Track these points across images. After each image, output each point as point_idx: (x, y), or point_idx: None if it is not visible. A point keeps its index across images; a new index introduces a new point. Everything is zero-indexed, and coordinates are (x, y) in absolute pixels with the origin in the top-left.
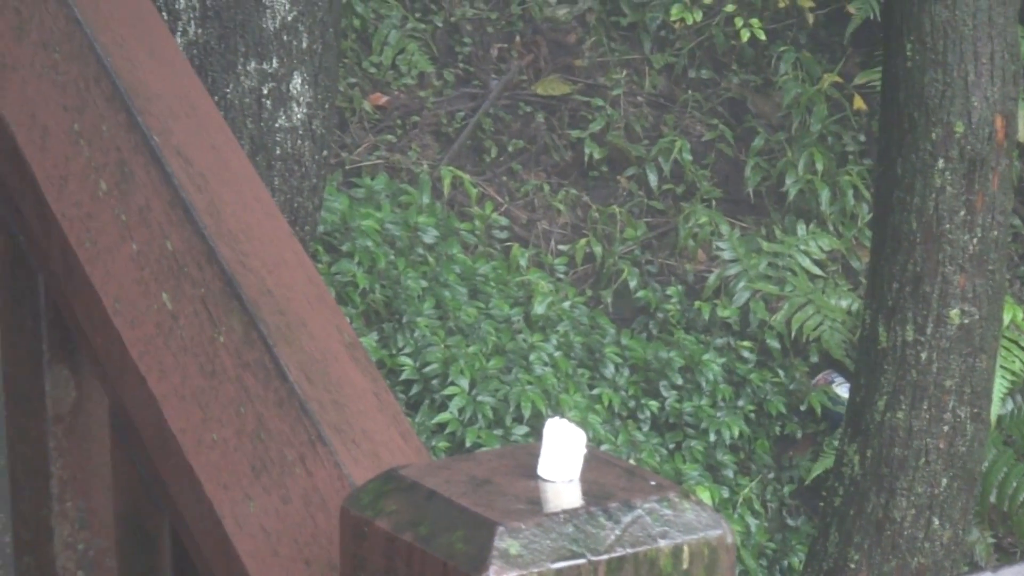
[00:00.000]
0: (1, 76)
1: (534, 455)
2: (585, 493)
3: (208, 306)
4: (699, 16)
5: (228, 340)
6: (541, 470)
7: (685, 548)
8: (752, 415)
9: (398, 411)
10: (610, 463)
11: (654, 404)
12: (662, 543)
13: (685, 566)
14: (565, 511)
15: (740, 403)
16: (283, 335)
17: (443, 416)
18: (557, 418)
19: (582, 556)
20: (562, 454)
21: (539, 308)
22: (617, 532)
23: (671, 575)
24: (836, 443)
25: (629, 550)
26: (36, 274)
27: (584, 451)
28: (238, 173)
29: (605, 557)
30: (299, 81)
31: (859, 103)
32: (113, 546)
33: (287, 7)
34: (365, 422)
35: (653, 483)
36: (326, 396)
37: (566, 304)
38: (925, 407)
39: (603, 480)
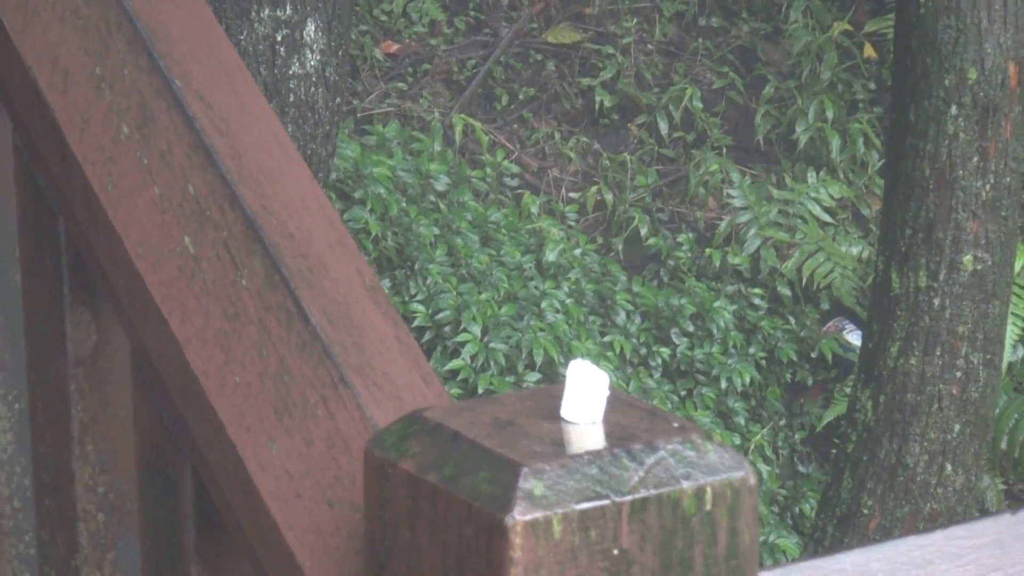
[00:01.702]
0: (23, 20)
1: (557, 397)
2: (608, 435)
3: (230, 249)
4: None
5: (250, 283)
6: (564, 412)
7: (708, 489)
8: (763, 362)
9: (419, 354)
10: (633, 405)
11: (665, 351)
12: (685, 484)
13: (708, 507)
14: (589, 452)
15: (751, 350)
16: (305, 278)
17: (455, 363)
18: (580, 360)
19: (606, 497)
20: (585, 396)
21: (550, 255)
22: (641, 473)
23: (694, 516)
24: (847, 390)
25: (652, 491)
26: (57, 217)
27: (607, 393)
28: (259, 117)
29: (629, 498)
30: (312, 28)
31: (869, 51)
32: (134, 489)
33: None
34: (387, 365)
35: (676, 425)
36: (348, 339)
37: (577, 251)
38: (938, 353)
39: (626, 422)
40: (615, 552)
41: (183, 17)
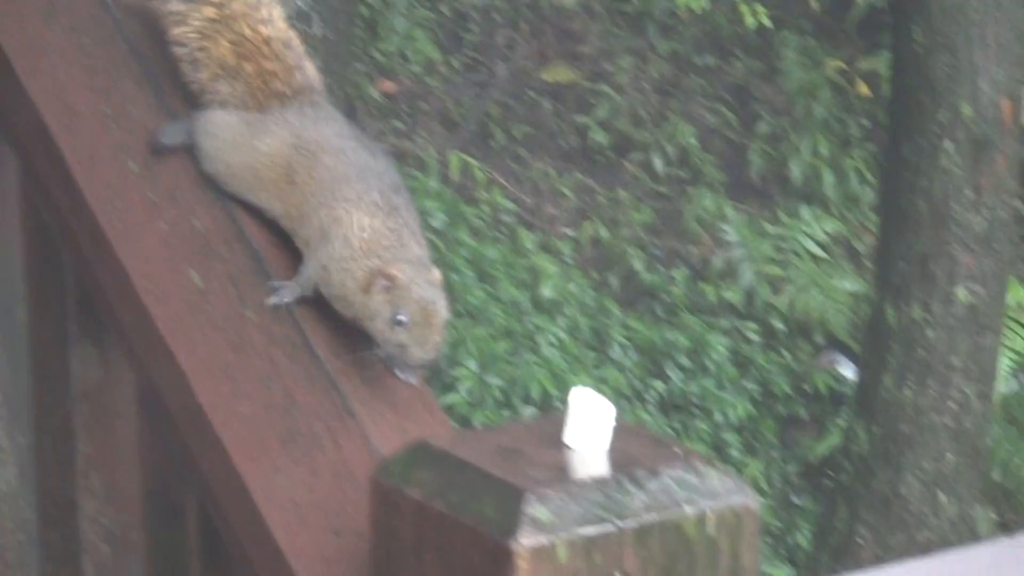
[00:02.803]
0: (31, 59)
1: (560, 425)
2: (612, 461)
3: (236, 283)
4: (705, 3)
5: (256, 316)
6: (567, 439)
7: (710, 514)
8: (757, 395)
9: (422, 384)
10: (635, 432)
11: (660, 385)
12: (688, 509)
13: (711, 532)
14: (593, 478)
15: (745, 384)
16: (310, 311)
17: (452, 397)
18: (581, 387)
19: (610, 522)
20: (588, 423)
21: (546, 291)
22: (644, 498)
23: (697, 540)
24: (840, 422)
25: (655, 516)
26: (63, 254)
27: (614, 422)
28: None
29: (632, 523)
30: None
31: (863, 88)
32: (139, 521)
33: None
34: (391, 395)
35: (678, 451)
36: (352, 370)
37: (572, 287)
38: (932, 384)
39: (629, 448)
40: None
41: None
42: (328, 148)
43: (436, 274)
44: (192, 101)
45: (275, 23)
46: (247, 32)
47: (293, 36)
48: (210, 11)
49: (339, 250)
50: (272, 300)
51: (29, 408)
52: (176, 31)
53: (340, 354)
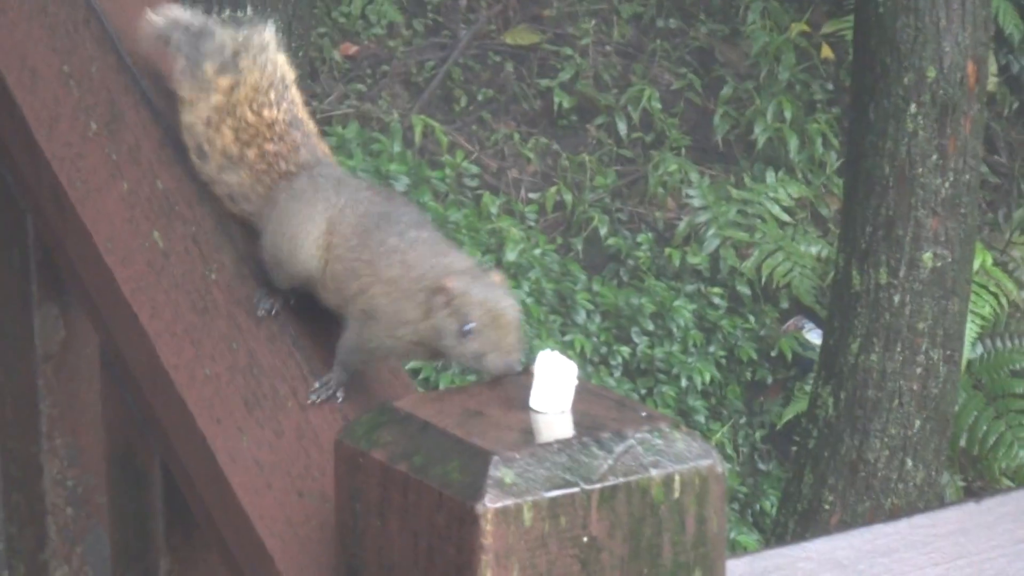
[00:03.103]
0: None
1: (525, 387)
2: (577, 424)
3: (199, 244)
4: None
5: (219, 277)
6: (533, 402)
7: (676, 477)
8: (723, 361)
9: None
10: (601, 395)
11: (625, 350)
12: (654, 472)
13: (676, 495)
14: (558, 441)
15: (711, 349)
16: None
17: (416, 362)
18: (548, 351)
19: (575, 485)
20: (553, 386)
21: (511, 255)
22: (610, 462)
23: (663, 503)
24: (807, 388)
25: (621, 479)
26: (24, 214)
27: (576, 383)
28: None
29: (598, 486)
30: (272, 29)
31: (827, 52)
32: (103, 483)
33: None
34: None
35: (644, 414)
36: (315, 332)
37: (537, 251)
38: (898, 349)
39: (594, 411)
40: (585, 539)
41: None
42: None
43: (496, 276)
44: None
45: (281, 105)
46: (249, 117)
47: (302, 116)
48: (218, 99)
49: (383, 299)
50: (322, 396)
51: None
52: (186, 119)
53: (302, 315)
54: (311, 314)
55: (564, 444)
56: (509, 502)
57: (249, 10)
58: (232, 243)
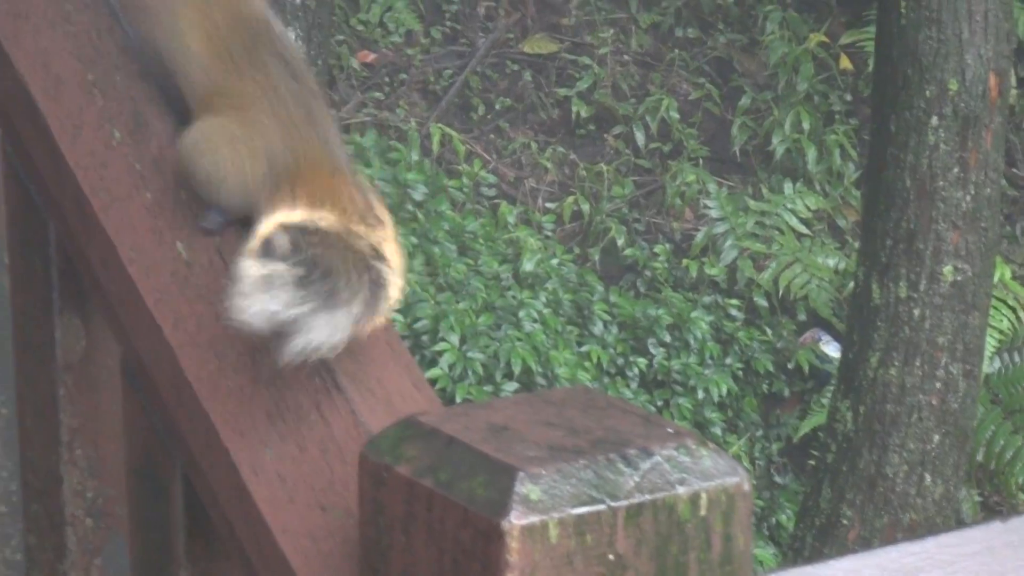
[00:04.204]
0: (13, 26)
1: (551, 403)
2: (603, 440)
3: (223, 254)
4: None
5: None
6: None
7: (703, 495)
8: (740, 373)
9: (410, 360)
10: (627, 410)
11: (642, 361)
12: (680, 489)
13: (703, 512)
14: (584, 457)
15: (728, 361)
16: None
17: (433, 371)
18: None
19: (601, 502)
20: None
21: (528, 265)
22: (636, 479)
23: (689, 521)
24: (824, 401)
25: (648, 496)
26: (47, 223)
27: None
28: None
29: (624, 503)
30: (292, 37)
31: (845, 62)
32: (123, 494)
33: None
34: (379, 371)
35: (671, 430)
36: (343, 352)
37: (554, 261)
38: (918, 364)
39: (621, 427)
40: (611, 557)
41: None
42: None
43: None
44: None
45: None
46: None
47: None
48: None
49: None
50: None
51: (12, 379)
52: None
53: None
54: None
55: (590, 460)
56: (535, 519)
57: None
58: None
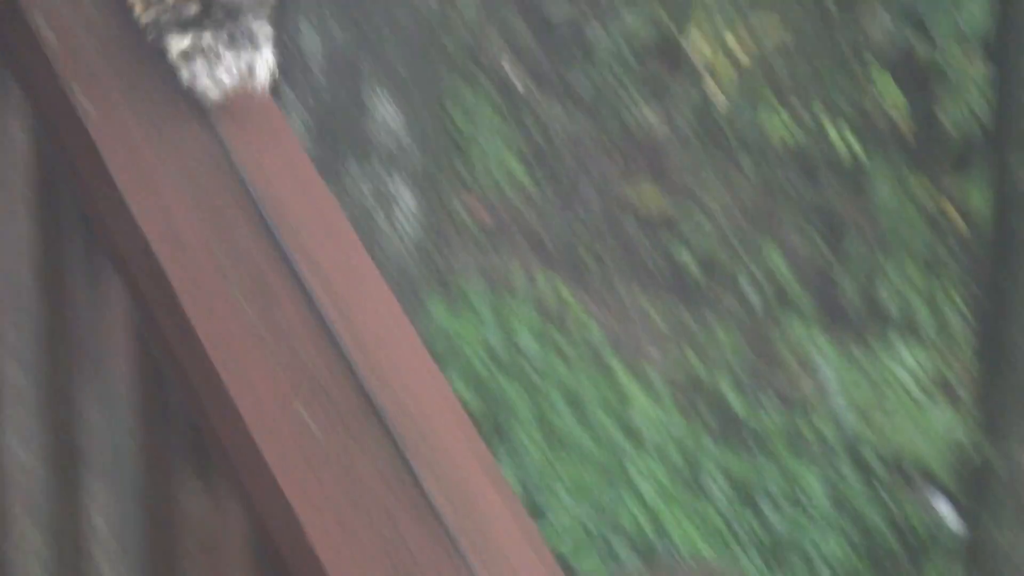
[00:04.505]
0: (136, 179)
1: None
2: None
3: (347, 424)
4: (796, 132)
5: (365, 456)
6: None
7: None
8: (852, 534)
9: (533, 529)
10: None
11: (755, 521)
12: None
13: None
14: None
15: (840, 521)
16: (426, 460)
17: (539, 524)
18: None
19: None
20: None
21: (636, 418)
22: None
23: None
24: (938, 565)
25: None
26: (171, 385)
27: None
28: (375, 294)
29: None
30: (407, 194)
31: (959, 224)
32: None
33: (395, 117)
34: (501, 538)
35: None
36: (469, 523)
37: (662, 414)
38: None
39: None
40: None
41: (296, 189)
42: None
43: None
44: None
45: None
46: None
47: None
48: None
49: None
50: None
51: (142, 551)
52: None
53: (454, 503)
54: (463, 504)
55: None
56: None
57: (379, 169)
58: (380, 423)
